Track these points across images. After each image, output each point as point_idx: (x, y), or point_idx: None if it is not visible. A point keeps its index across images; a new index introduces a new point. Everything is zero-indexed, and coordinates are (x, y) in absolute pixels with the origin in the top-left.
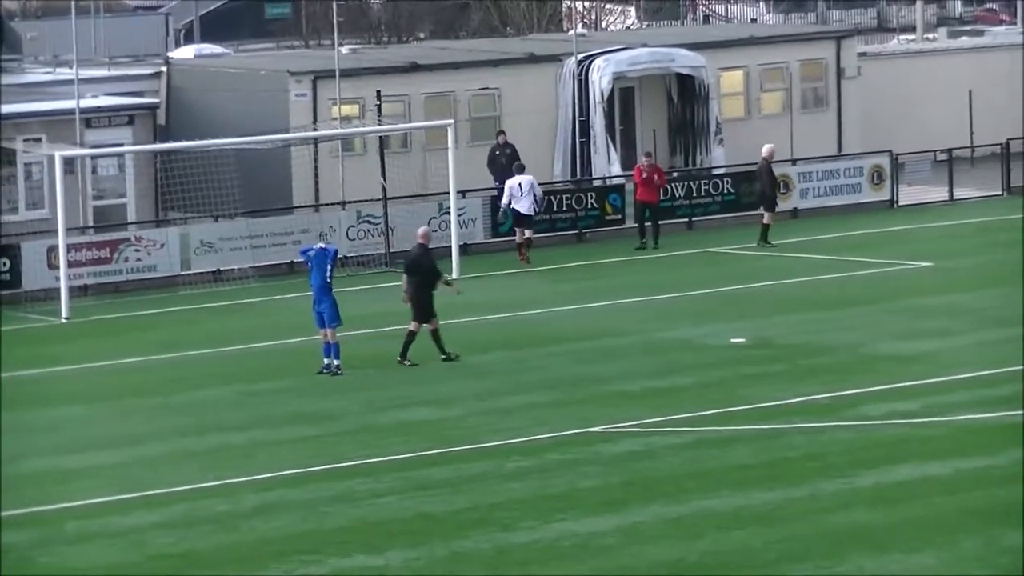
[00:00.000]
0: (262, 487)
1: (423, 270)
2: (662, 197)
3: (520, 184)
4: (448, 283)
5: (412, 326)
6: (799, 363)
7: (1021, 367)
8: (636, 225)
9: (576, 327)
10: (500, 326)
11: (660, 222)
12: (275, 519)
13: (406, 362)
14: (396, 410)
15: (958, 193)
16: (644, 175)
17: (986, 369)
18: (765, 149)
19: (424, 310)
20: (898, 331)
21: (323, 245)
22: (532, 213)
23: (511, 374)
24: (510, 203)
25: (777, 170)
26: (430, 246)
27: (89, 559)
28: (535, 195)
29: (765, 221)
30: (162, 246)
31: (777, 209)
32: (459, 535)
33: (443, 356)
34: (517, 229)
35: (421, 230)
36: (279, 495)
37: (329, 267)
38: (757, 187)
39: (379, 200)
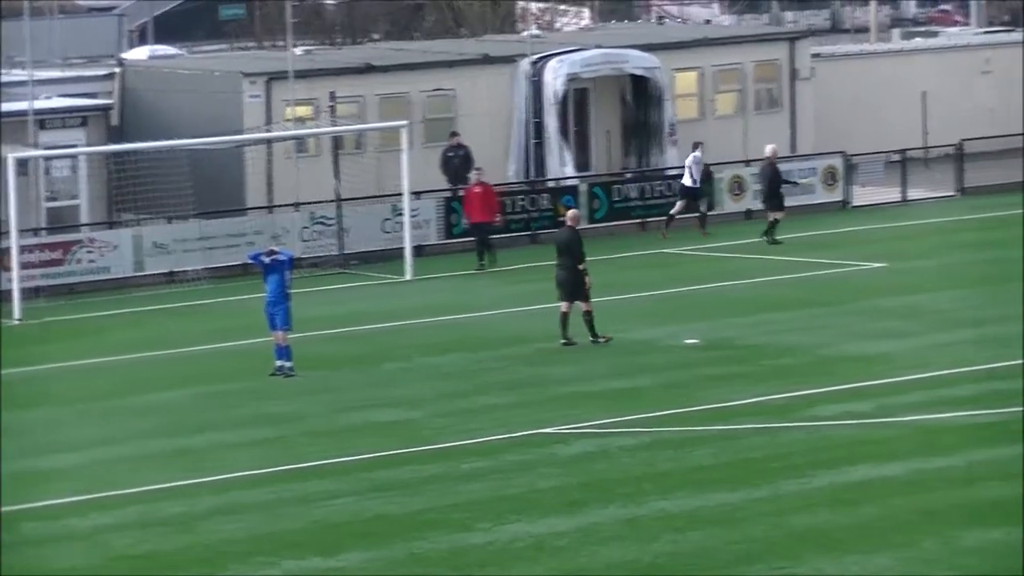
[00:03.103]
0: (219, 489)
1: (572, 251)
2: (496, 219)
3: (690, 159)
4: (584, 271)
5: (564, 307)
6: (756, 364)
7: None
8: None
9: (532, 328)
10: (457, 327)
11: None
12: (232, 521)
13: (563, 341)
14: (353, 412)
15: (912, 194)
16: (478, 191)
17: (942, 370)
18: (768, 149)
19: (574, 291)
20: (854, 332)
21: (275, 248)
22: (697, 186)
23: (468, 376)
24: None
25: (729, 171)
26: (578, 227)
27: (49, 561)
28: (693, 168)
29: (776, 218)
30: (115, 248)
31: (783, 206)
32: (416, 536)
33: (592, 339)
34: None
35: (571, 212)
36: (236, 497)
37: (287, 273)
38: (761, 187)
39: (333, 201)
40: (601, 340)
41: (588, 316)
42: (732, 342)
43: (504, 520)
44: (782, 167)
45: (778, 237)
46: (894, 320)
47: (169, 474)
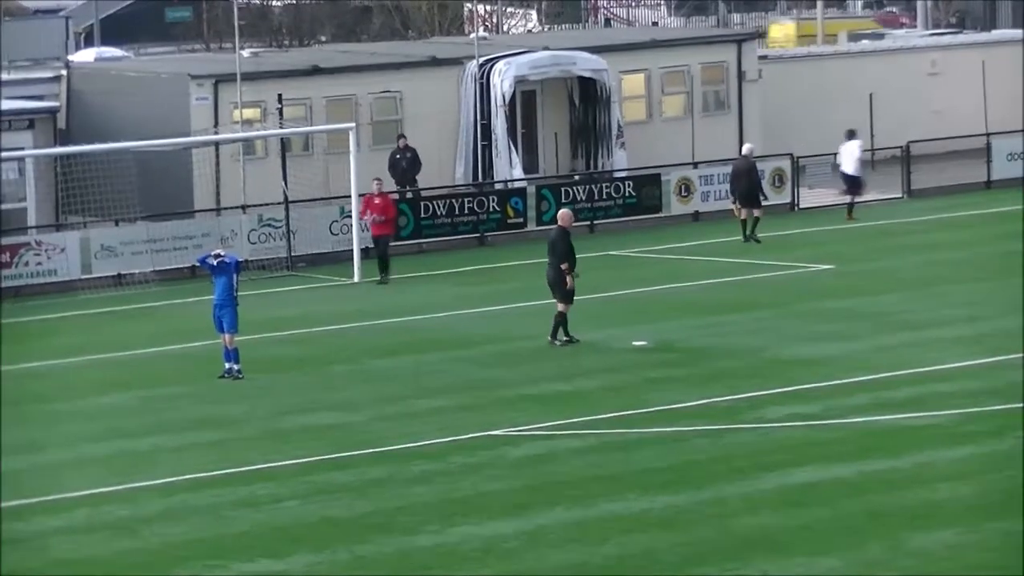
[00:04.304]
0: (165, 492)
1: (555, 250)
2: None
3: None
4: (570, 271)
5: (561, 307)
6: (702, 366)
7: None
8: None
9: (479, 331)
10: (403, 330)
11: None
12: (178, 524)
13: (568, 338)
14: (299, 415)
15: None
16: (377, 202)
17: (886, 372)
18: (746, 148)
19: (569, 291)
20: (800, 334)
21: (220, 252)
22: (858, 175)
23: (415, 378)
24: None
25: (676, 173)
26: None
27: None
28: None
29: (756, 215)
30: (62, 251)
31: (763, 204)
32: (362, 539)
33: (565, 338)
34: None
35: (562, 211)
36: (182, 500)
37: (235, 277)
38: (739, 185)
39: (281, 204)
40: (557, 343)
41: (560, 317)
42: (679, 344)
43: (451, 523)
44: (730, 169)
45: (733, 238)
46: (839, 322)
47: (115, 478)
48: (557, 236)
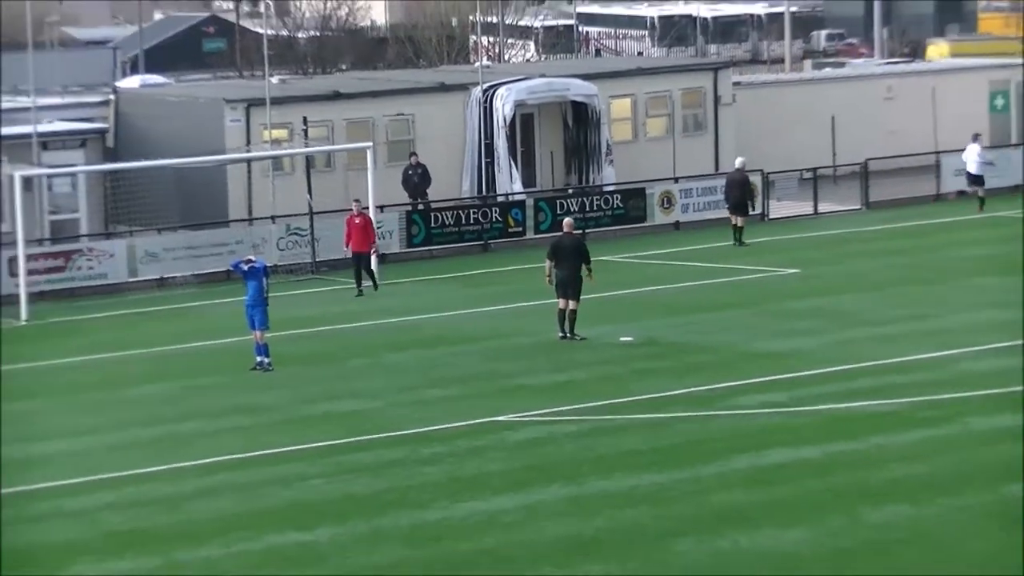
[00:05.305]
0: (203, 471)
1: (582, 255)
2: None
3: (967, 152)
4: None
5: (561, 304)
6: (682, 359)
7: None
8: (351, 272)
9: (483, 328)
10: (415, 327)
11: (373, 268)
12: (215, 500)
13: (566, 335)
14: (322, 403)
15: (822, 207)
16: (359, 222)
17: (847, 365)
18: (738, 161)
19: (574, 290)
20: (769, 331)
21: (252, 258)
22: (980, 173)
23: (426, 370)
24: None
25: (660, 187)
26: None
27: (47, 536)
28: (980, 157)
29: (739, 224)
30: (111, 256)
31: (750, 213)
32: (379, 514)
33: (568, 335)
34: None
35: (567, 220)
36: (219, 479)
37: (264, 280)
38: (732, 195)
39: (306, 214)
40: (577, 338)
41: (573, 314)
42: (661, 340)
43: (458, 499)
44: (709, 184)
45: (711, 245)
46: (805, 320)
47: (158, 459)
48: (577, 243)
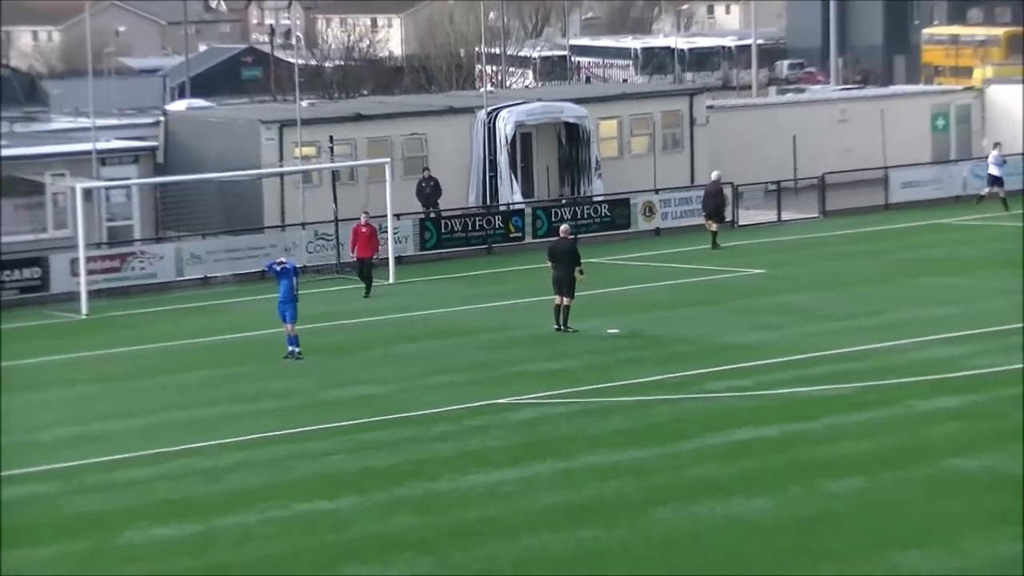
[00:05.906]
0: (239, 448)
1: (572, 257)
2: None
3: (991, 157)
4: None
5: (558, 300)
6: (662, 350)
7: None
8: (359, 277)
9: (486, 321)
10: (426, 321)
11: (372, 275)
12: (250, 472)
13: (562, 328)
14: (344, 387)
15: (785, 215)
16: (364, 231)
17: (806, 354)
18: (714, 174)
19: (568, 288)
20: (738, 324)
21: (283, 260)
22: (1000, 175)
23: (435, 359)
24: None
25: (642, 198)
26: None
27: (106, 504)
28: (997, 161)
29: (713, 229)
30: (161, 258)
31: (725, 220)
32: (395, 484)
33: (564, 328)
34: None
35: (563, 227)
36: (252, 454)
37: (294, 279)
38: (708, 203)
39: (331, 222)
40: (570, 331)
41: (567, 310)
42: (643, 332)
43: (464, 472)
44: (685, 195)
45: (687, 248)
46: (769, 315)
47: (199, 436)
48: (570, 247)
